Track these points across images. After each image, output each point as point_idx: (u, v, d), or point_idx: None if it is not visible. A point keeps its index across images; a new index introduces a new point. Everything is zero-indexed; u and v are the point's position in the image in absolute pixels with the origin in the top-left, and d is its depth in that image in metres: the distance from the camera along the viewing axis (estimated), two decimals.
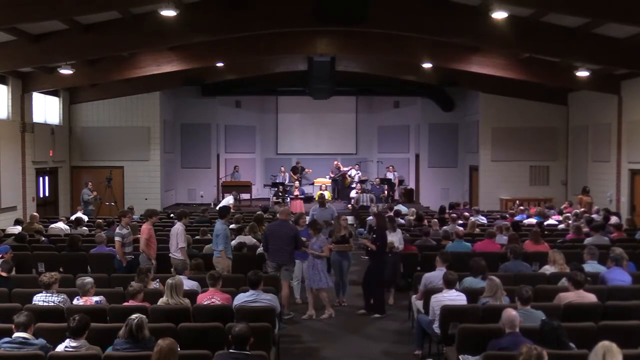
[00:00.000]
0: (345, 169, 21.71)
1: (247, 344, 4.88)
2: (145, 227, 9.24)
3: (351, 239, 9.85)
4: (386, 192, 19.87)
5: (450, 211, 14.36)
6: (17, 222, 12.88)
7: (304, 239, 9.29)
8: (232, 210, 16.56)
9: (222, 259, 8.97)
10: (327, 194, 19.00)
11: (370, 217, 13.90)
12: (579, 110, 18.38)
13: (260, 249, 9.70)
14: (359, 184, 19.84)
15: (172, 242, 9.15)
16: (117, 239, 9.21)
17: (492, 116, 19.37)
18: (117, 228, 9.43)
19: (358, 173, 21.22)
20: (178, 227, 9.18)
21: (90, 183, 16.90)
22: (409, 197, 21.44)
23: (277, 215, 10.21)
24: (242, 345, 4.85)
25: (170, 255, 9.16)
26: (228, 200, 17.30)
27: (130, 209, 15.04)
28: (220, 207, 10.36)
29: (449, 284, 6.84)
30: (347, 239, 9.71)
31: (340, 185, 21.64)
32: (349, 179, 21.26)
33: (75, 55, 13.56)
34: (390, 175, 20.90)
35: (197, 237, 11.30)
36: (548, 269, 8.21)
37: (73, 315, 5.26)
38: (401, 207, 16.54)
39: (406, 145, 23.39)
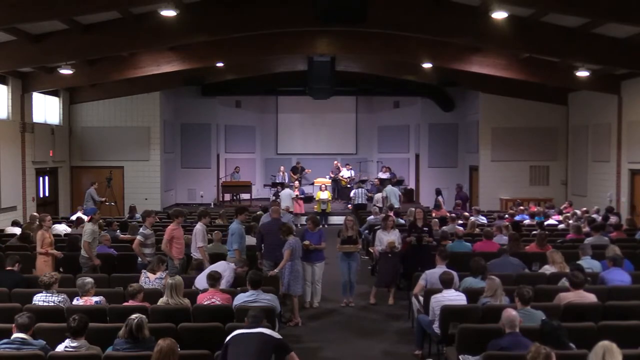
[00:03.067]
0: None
1: (261, 323, 5.22)
2: (169, 227, 9.33)
3: (361, 239, 9.83)
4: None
5: (449, 208, 14.47)
6: (15, 223, 12.87)
7: (307, 242, 9.27)
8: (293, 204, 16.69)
9: (236, 259, 8.95)
10: (327, 194, 19.02)
11: (371, 217, 13.91)
12: (579, 110, 18.38)
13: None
14: (357, 184, 19.88)
15: (193, 242, 9.24)
16: (138, 237, 9.26)
17: (492, 116, 19.37)
18: (141, 228, 9.48)
19: (350, 172, 21.25)
20: (197, 227, 9.22)
21: (96, 184, 16.89)
22: (409, 197, 21.44)
23: (269, 213, 10.23)
24: (257, 325, 5.17)
25: (191, 254, 9.25)
26: (288, 193, 17.22)
27: (132, 208, 15.09)
28: (236, 207, 10.30)
29: (445, 283, 6.86)
30: (354, 240, 9.71)
31: (340, 185, 21.68)
32: (343, 179, 21.28)
33: (75, 55, 13.55)
34: (384, 176, 20.99)
35: None
36: (548, 269, 8.23)
37: (73, 315, 5.27)
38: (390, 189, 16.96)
39: (406, 145, 23.41)
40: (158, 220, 13.89)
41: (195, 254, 9.14)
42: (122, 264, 9.85)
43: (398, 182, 21.40)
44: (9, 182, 14.86)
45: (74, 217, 14.20)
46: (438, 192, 17.55)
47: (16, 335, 5.22)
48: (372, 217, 13.92)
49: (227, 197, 21.50)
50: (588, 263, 8.34)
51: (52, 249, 9.35)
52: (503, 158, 19.30)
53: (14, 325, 5.29)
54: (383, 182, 20.24)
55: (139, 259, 9.33)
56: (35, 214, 13.52)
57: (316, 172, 21.81)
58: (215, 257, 9.50)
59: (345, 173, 21.41)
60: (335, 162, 22.25)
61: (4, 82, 15.13)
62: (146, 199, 18.44)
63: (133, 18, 12.27)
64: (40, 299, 6.74)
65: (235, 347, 4.91)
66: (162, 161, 19.59)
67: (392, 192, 16.96)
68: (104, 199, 16.94)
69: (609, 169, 16.06)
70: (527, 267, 8.84)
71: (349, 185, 20.69)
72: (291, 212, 15.96)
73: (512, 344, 5.11)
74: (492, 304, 6.47)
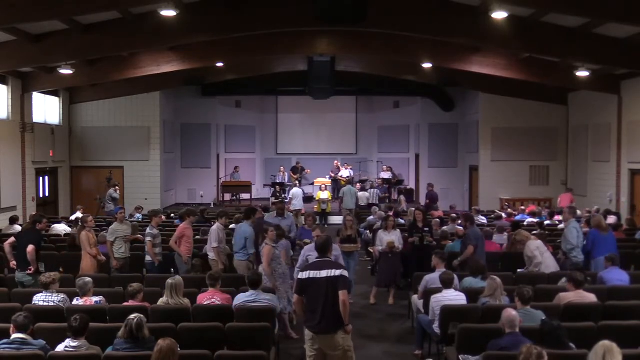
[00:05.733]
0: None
1: (328, 252, 5.69)
2: (181, 226, 9.40)
3: (359, 238, 9.84)
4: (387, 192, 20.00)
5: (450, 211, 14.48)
6: (13, 220, 12.84)
7: (307, 240, 9.29)
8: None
9: (245, 263, 8.90)
10: (327, 194, 19.01)
11: (371, 217, 13.91)
12: (579, 110, 18.38)
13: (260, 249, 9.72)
14: (358, 184, 19.87)
15: (209, 241, 9.26)
16: (148, 239, 9.25)
17: (492, 116, 19.37)
18: (148, 228, 9.47)
19: (349, 171, 21.22)
20: (213, 228, 9.23)
21: (117, 186, 16.92)
22: (409, 197, 21.41)
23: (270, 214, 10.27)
24: (324, 253, 5.67)
25: (207, 254, 9.28)
26: (301, 192, 16.96)
27: (138, 208, 15.15)
28: (246, 208, 10.19)
29: (445, 283, 6.85)
30: (354, 239, 9.72)
31: (340, 185, 21.63)
32: (342, 179, 21.23)
33: (75, 55, 13.55)
34: (385, 175, 20.98)
35: (197, 237, 11.30)
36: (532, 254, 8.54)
37: (74, 315, 5.27)
38: (362, 194, 17.44)
39: (406, 145, 23.41)
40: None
41: (210, 254, 9.14)
42: None
43: (398, 182, 21.40)
44: (9, 182, 14.86)
45: (73, 217, 14.22)
46: (400, 192, 17.77)
47: (16, 335, 5.21)
48: (371, 217, 13.91)
49: (227, 197, 21.50)
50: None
51: (96, 250, 9.34)
52: (503, 158, 19.30)
53: (12, 325, 5.29)
54: (385, 182, 20.27)
55: (148, 257, 9.32)
56: (35, 214, 13.51)
57: (316, 172, 21.80)
58: None
59: (344, 173, 21.38)
60: (335, 161, 22.22)
61: (4, 82, 15.13)
62: (146, 199, 18.42)
63: (133, 18, 12.28)
64: (40, 299, 6.75)
65: (311, 289, 5.48)
66: (162, 161, 19.59)
67: (349, 192, 16.90)
68: (97, 197, 17.01)
69: (609, 169, 16.06)
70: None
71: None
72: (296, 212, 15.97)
73: (512, 344, 5.10)
74: (492, 304, 6.47)
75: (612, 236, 9.16)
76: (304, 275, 5.56)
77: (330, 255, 5.74)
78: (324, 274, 5.44)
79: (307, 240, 9.29)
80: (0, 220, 14.14)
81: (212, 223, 12.45)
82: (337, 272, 5.42)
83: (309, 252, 6.95)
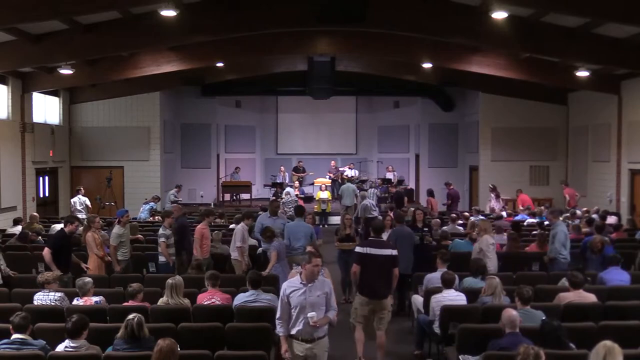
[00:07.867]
0: (341, 169, 21.67)
1: (382, 232, 7.23)
2: (199, 227, 9.37)
3: (358, 237, 9.87)
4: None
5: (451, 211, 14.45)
6: (16, 221, 12.87)
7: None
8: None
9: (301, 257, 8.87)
10: (327, 194, 18.99)
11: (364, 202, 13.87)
12: (579, 110, 18.38)
13: (260, 249, 9.73)
14: (357, 184, 19.83)
15: (232, 241, 9.26)
16: (161, 240, 9.20)
17: (492, 116, 19.36)
18: (160, 229, 9.46)
19: (353, 171, 21.18)
20: (238, 227, 9.23)
21: (179, 188, 17.15)
22: (409, 197, 21.39)
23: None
24: (379, 234, 7.12)
25: (230, 253, 9.32)
26: (289, 192, 16.98)
27: (155, 198, 15.27)
28: (296, 207, 10.24)
29: (446, 283, 6.85)
30: (352, 238, 9.75)
31: (340, 186, 21.59)
32: (347, 178, 21.17)
33: (75, 55, 13.55)
34: (389, 175, 20.92)
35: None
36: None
37: (70, 316, 5.26)
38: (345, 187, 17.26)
39: (406, 145, 23.41)
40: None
41: (233, 253, 9.15)
42: None
43: (399, 182, 21.37)
44: (9, 182, 14.85)
45: (76, 199, 14.37)
46: (363, 197, 17.47)
47: (15, 335, 5.21)
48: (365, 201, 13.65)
49: (227, 197, 21.50)
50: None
51: (103, 250, 9.28)
52: (503, 158, 19.29)
53: (10, 326, 5.29)
54: (385, 182, 20.25)
55: (161, 258, 9.27)
56: (35, 214, 13.54)
57: (316, 172, 21.77)
58: (216, 258, 9.52)
59: (349, 172, 21.34)
60: (333, 162, 22.17)
61: (4, 82, 15.13)
62: (146, 199, 18.40)
63: (133, 18, 12.28)
64: (39, 298, 6.78)
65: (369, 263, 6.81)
66: (162, 161, 19.59)
67: (347, 191, 16.82)
68: (109, 202, 17.09)
69: (609, 169, 16.06)
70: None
71: None
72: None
73: (512, 344, 5.10)
74: (492, 303, 6.47)
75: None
76: (362, 250, 6.90)
77: (381, 236, 7.13)
78: (382, 252, 6.82)
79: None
80: (0, 220, 14.15)
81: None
82: (394, 252, 6.87)
83: (290, 288, 5.53)
